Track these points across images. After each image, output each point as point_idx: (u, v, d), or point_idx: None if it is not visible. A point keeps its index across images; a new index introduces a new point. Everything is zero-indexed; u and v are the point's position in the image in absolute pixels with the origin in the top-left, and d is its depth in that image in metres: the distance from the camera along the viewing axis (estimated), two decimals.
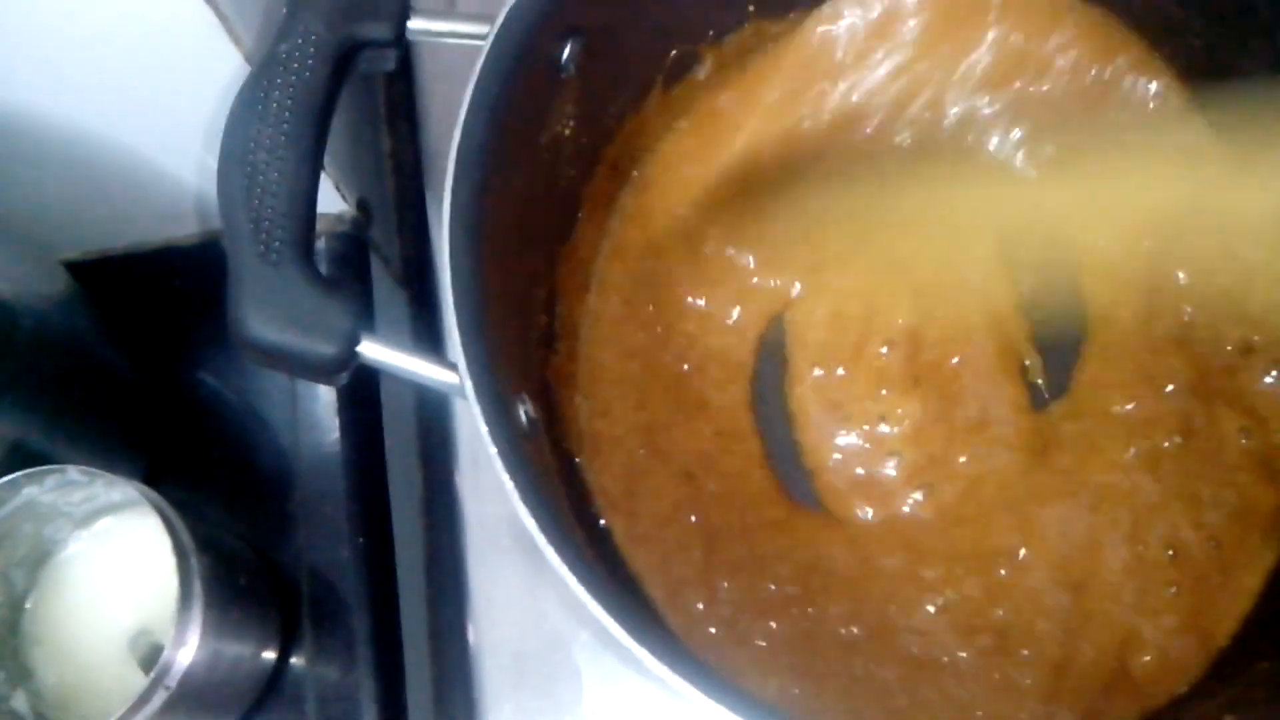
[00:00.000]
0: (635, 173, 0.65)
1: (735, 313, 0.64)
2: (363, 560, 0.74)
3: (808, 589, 0.59)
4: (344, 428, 0.75)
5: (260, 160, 0.46)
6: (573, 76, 0.54)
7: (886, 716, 0.57)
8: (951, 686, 0.57)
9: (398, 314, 0.79)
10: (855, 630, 0.58)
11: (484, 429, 0.44)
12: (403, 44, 0.49)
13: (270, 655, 0.71)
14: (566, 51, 0.53)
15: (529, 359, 0.58)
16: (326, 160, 0.72)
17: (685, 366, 0.63)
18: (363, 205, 0.79)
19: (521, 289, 0.57)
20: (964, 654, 0.58)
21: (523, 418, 0.50)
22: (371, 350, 0.46)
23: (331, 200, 0.76)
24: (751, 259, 0.63)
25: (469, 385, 0.45)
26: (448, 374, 0.46)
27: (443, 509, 0.74)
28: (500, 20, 0.48)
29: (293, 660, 0.73)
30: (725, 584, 0.59)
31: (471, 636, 0.67)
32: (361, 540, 0.74)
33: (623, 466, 0.61)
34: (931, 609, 0.59)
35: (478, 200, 0.48)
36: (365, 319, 0.46)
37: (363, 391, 0.75)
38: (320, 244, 0.76)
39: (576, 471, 0.62)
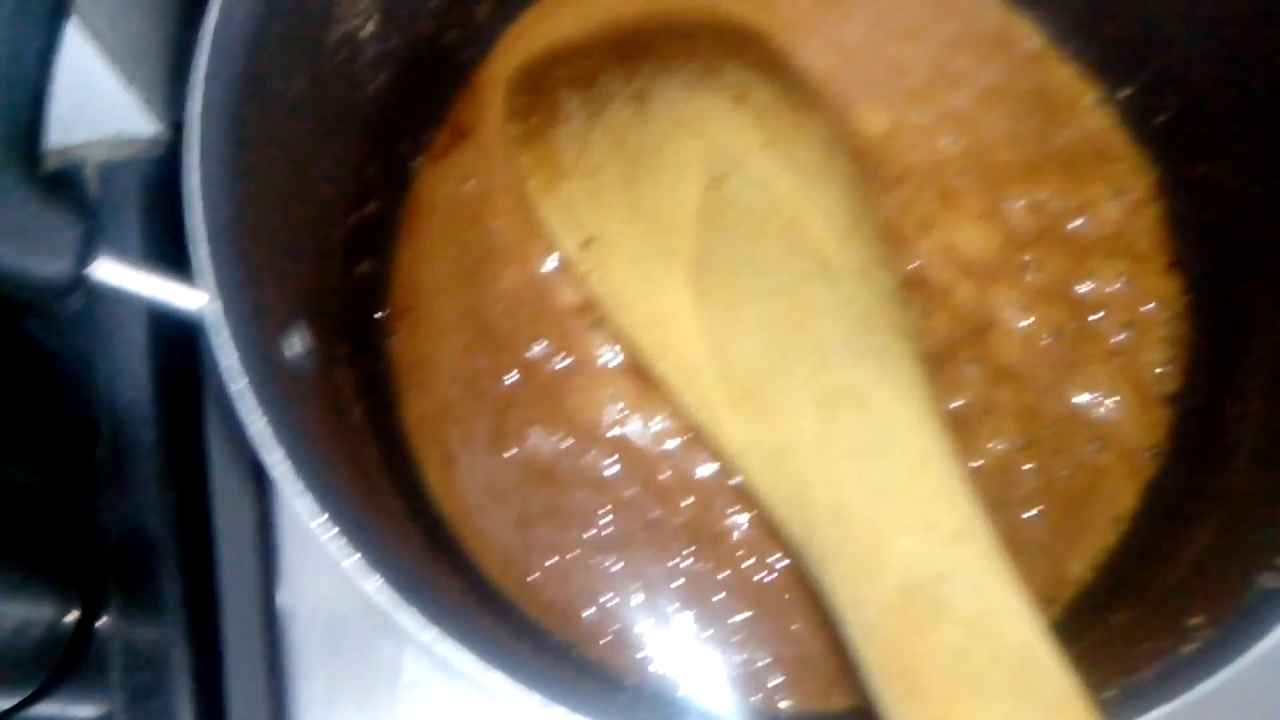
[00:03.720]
0: (459, 83, 0.59)
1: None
2: (174, 517, 0.68)
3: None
4: (156, 372, 0.69)
5: None
6: None
7: None
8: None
9: None
10: None
11: (226, 361, 0.39)
12: None
13: (71, 619, 0.65)
14: None
15: (327, 288, 0.52)
16: (134, 77, 0.66)
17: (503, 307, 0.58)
18: (180, 129, 0.72)
19: (316, 206, 0.51)
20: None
21: (296, 348, 0.44)
22: (106, 270, 0.40)
23: (141, 123, 0.70)
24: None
25: (213, 309, 0.39)
26: (194, 295, 0.40)
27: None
28: None
29: (99, 625, 0.67)
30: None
31: (282, 601, 0.61)
32: (173, 495, 0.68)
33: (440, 400, 0.57)
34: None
35: (237, 98, 0.42)
36: (98, 232, 0.40)
37: (178, 331, 0.69)
38: (130, 174, 0.70)
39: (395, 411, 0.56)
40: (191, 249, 0.40)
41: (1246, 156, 0.54)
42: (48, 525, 0.65)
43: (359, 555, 0.39)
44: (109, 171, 0.69)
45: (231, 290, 0.40)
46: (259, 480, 0.66)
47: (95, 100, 0.66)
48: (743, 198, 0.52)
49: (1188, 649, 0.41)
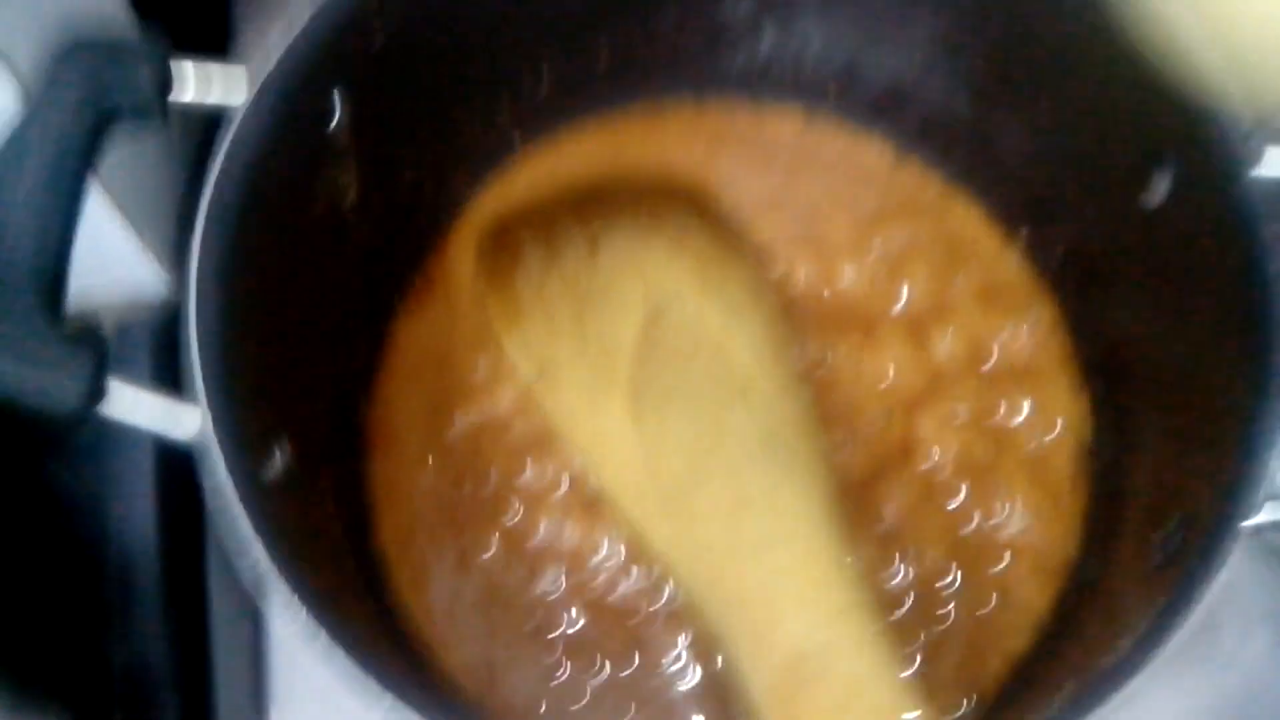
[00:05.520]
0: (432, 241, 0.68)
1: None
2: (174, 647, 0.72)
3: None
4: (161, 512, 0.73)
5: (11, 203, 0.46)
6: (346, 146, 0.55)
7: None
8: None
9: None
10: None
11: (226, 481, 0.45)
12: (164, 113, 0.50)
13: None
14: (335, 120, 0.54)
15: (313, 420, 0.59)
16: (149, 241, 0.73)
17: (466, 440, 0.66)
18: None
19: (303, 348, 0.58)
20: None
21: (277, 471, 0.51)
22: (118, 394, 0.47)
23: (155, 286, 0.76)
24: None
25: (205, 435, 0.45)
26: (191, 421, 0.46)
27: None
28: (257, 85, 0.50)
29: None
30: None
31: None
32: (174, 627, 0.72)
33: (411, 522, 0.64)
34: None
35: (229, 261, 0.49)
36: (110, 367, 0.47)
37: (182, 472, 0.74)
38: (141, 328, 0.76)
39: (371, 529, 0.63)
40: (189, 384, 0.46)
41: (1125, 290, 0.61)
42: (56, 655, 0.69)
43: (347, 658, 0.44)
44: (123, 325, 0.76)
45: (220, 421, 0.46)
46: (254, 611, 0.71)
47: (113, 265, 0.72)
48: (678, 331, 0.61)
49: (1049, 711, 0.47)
